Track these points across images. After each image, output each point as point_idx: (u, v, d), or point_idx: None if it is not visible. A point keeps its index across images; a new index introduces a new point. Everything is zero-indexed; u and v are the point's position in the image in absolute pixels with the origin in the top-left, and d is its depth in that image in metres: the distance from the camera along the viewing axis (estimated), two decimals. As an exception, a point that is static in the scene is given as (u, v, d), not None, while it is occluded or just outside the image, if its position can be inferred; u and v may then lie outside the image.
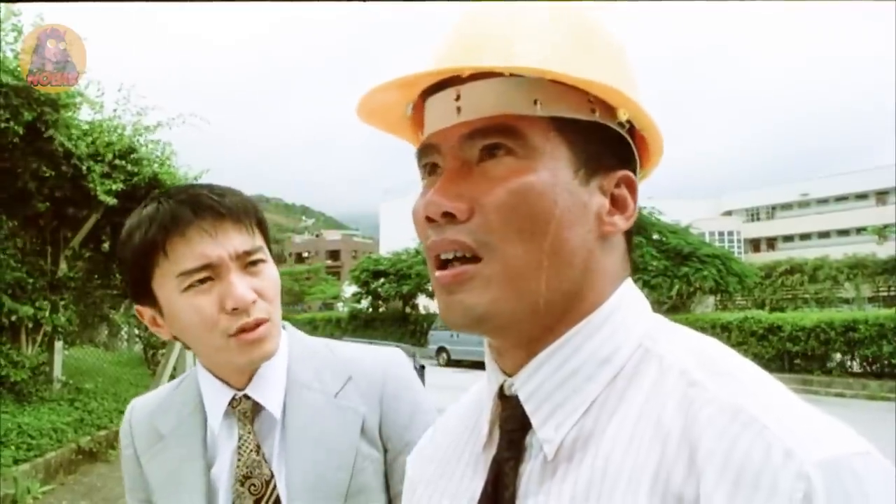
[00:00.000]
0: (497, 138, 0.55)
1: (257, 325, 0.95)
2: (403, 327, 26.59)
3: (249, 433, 1.00)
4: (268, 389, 1.01)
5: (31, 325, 7.31)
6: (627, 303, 0.58)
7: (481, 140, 0.55)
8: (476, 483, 0.60)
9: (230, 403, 1.01)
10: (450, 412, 0.74)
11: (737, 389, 0.49)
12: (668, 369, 0.53)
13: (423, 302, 28.01)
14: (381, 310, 28.79)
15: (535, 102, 0.54)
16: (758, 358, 14.72)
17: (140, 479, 1.06)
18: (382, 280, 27.18)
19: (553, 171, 0.54)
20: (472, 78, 0.55)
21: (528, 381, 0.57)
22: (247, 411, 1.01)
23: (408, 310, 28.09)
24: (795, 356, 14.41)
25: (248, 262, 0.97)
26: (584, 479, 0.52)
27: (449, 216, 0.55)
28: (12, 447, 5.80)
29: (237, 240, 0.96)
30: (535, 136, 0.55)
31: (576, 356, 0.56)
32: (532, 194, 0.54)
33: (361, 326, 26.99)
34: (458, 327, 0.56)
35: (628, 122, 0.57)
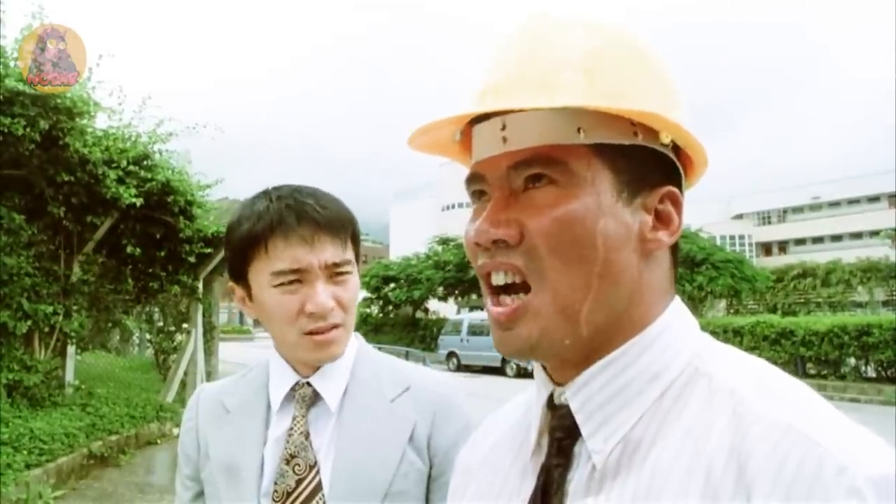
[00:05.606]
0: (540, 169, 0.56)
1: (330, 328, 1.04)
2: (413, 332, 26.61)
3: (303, 417, 1.07)
4: (330, 383, 1.09)
5: (45, 330, 7.37)
6: (679, 321, 0.60)
7: (526, 170, 0.57)
8: (525, 488, 0.61)
9: (292, 388, 1.09)
10: (492, 420, 0.76)
11: (787, 408, 0.50)
12: (718, 388, 0.54)
13: (432, 307, 28.00)
14: (391, 315, 28.83)
15: (579, 131, 0.55)
16: (770, 362, 14.52)
17: (194, 452, 1.13)
18: (392, 285, 27.23)
19: (595, 197, 0.56)
20: None
21: (579, 392, 0.58)
22: (305, 397, 1.08)
23: (418, 315, 28.11)
24: (808, 361, 14.28)
25: (335, 273, 1.05)
26: (631, 490, 0.53)
27: (500, 242, 0.57)
28: (24, 452, 5.85)
29: (329, 251, 1.04)
30: (578, 164, 0.56)
31: (627, 371, 0.57)
32: (575, 222, 0.55)
33: (371, 332, 26.98)
34: (512, 357, 0.59)
35: (672, 141, 0.58)
